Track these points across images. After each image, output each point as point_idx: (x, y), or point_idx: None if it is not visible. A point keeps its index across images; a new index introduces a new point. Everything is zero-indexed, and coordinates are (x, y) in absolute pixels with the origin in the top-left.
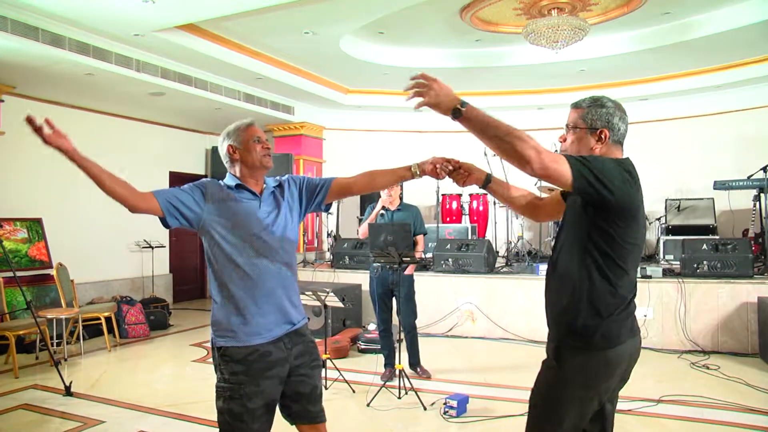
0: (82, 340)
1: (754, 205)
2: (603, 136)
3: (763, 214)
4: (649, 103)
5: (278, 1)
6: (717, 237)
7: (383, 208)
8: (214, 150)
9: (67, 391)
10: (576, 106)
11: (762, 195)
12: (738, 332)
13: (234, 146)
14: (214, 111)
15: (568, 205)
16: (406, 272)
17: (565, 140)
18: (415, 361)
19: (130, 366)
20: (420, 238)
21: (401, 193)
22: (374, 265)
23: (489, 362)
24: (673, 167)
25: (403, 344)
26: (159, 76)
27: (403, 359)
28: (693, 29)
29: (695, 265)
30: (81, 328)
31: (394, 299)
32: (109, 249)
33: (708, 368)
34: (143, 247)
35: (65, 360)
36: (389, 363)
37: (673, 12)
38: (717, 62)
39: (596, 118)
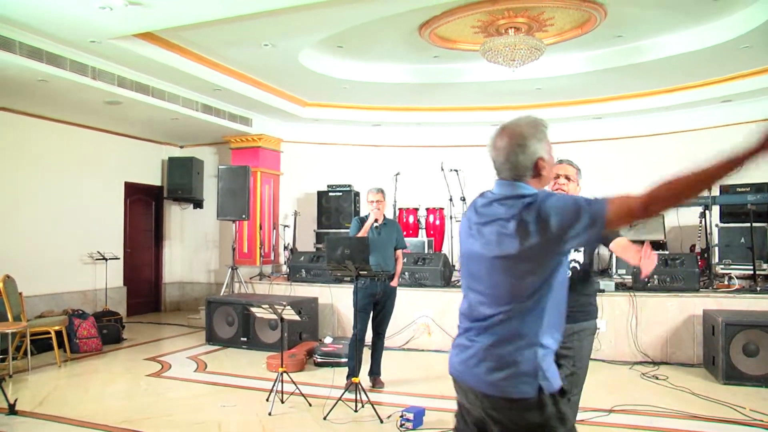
0: (29, 356)
1: (700, 222)
2: None
3: (708, 231)
4: (603, 122)
5: (237, 12)
6: (666, 252)
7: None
8: (171, 160)
9: (11, 410)
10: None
11: (707, 212)
12: (685, 343)
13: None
14: (171, 121)
15: None
16: (392, 284)
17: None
18: (377, 371)
19: (81, 381)
20: (400, 252)
21: None
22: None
23: (445, 375)
24: (625, 184)
25: (365, 355)
26: (115, 84)
27: (364, 368)
28: (643, 53)
29: (646, 279)
30: (29, 342)
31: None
32: (60, 261)
33: (657, 378)
34: (96, 259)
35: (10, 377)
36: (356, 374)
37: (625, 35)
38: (665, 85)
39: None
